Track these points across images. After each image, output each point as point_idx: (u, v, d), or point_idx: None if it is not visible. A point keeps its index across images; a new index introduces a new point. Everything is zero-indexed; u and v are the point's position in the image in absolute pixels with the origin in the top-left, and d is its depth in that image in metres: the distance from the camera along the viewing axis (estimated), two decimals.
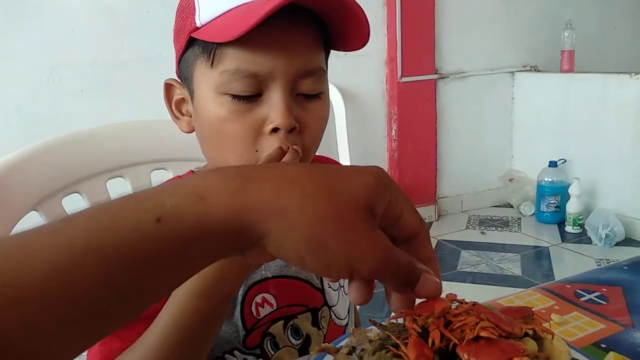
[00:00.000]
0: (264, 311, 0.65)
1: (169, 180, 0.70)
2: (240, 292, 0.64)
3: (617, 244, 2.61)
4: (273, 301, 0.65)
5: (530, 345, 0.40)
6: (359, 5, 0.53)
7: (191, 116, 0.62)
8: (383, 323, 0.43)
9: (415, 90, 2.97)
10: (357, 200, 0.33)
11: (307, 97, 0.57)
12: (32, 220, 0.60)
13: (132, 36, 2.35)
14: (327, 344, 0.46)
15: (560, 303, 0.66)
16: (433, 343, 0.36)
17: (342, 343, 0.46)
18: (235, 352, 0.64)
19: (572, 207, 2.81)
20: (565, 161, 2.95)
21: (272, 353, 0.65)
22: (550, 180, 2.94)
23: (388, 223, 0.36)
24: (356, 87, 2.87)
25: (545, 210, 2.96)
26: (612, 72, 2.76)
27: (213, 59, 0.54)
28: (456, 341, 0.36)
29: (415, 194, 2.98)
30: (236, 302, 0.63)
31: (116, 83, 2.36)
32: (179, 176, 0.66)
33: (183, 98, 0.62)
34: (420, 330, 0.37)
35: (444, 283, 0.37)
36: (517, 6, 3.20)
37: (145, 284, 0.31)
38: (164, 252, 0.31)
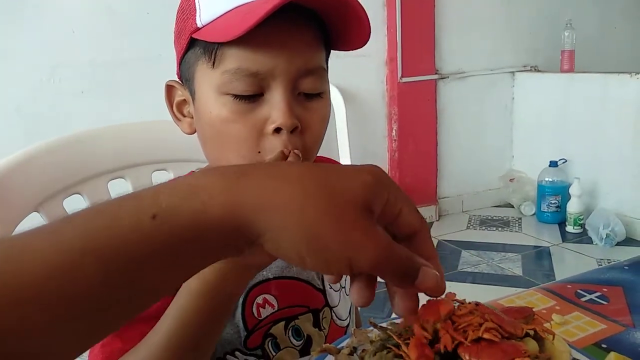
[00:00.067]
0: (265, 312, 0.65)
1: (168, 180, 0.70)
2: None
3: (618, 244, 2.61)
4: (274, 302, 0.65)
5: (531, 345, 0.40)
6: (360, 4, 0.53)
7: (193, 117, 0.61)
8: (383, 325, 0.43)
9: (416, 91, 2.96)
10: (356, 199, 0.33)
11: (309, 96, 0.57)
12: (33, 221, 0.60)
13: (132, 36, 2.35)
14: (328, 344, 0.46)
15: (561, 303, 0.66)
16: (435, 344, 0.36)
17: (344, 344, 0.46)
18: (237, 352, 0.64)
19: (573, 207, 2.81)
20: (566, 161, 2.95)
21: (274, 354, 0.65)
22: (550, 180, 2.94)
23: (387, 221, 0.36)
24: (356, 88, 2.86)
25: (545, 210, 2.96)
26: (612, 72, 2.76)
27: (214, 60, 0.54)
28: (464, 341, 0.36)
29: (416, 194, 2.98)
30: (237, 303, 0.63)
31: (116, 83, 2.36)
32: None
33: (184, 99, 0.62)
34: (430, 337, 0.37)
35: None
36: (517, 6, 3.19)
37: (145, 284, 0.31)
38: (163, 252, 0.31)
